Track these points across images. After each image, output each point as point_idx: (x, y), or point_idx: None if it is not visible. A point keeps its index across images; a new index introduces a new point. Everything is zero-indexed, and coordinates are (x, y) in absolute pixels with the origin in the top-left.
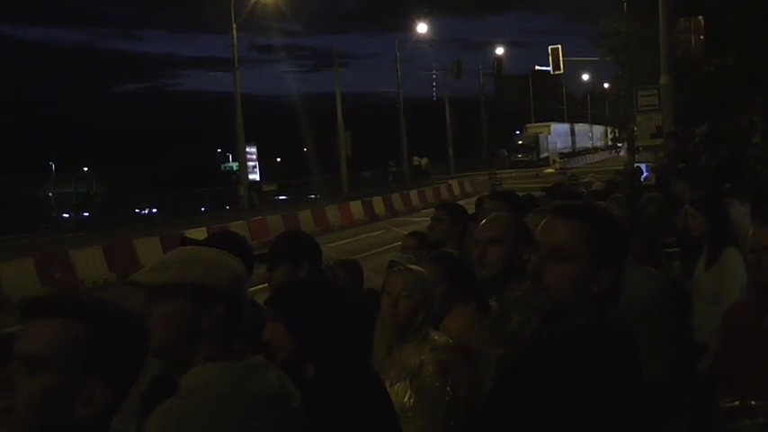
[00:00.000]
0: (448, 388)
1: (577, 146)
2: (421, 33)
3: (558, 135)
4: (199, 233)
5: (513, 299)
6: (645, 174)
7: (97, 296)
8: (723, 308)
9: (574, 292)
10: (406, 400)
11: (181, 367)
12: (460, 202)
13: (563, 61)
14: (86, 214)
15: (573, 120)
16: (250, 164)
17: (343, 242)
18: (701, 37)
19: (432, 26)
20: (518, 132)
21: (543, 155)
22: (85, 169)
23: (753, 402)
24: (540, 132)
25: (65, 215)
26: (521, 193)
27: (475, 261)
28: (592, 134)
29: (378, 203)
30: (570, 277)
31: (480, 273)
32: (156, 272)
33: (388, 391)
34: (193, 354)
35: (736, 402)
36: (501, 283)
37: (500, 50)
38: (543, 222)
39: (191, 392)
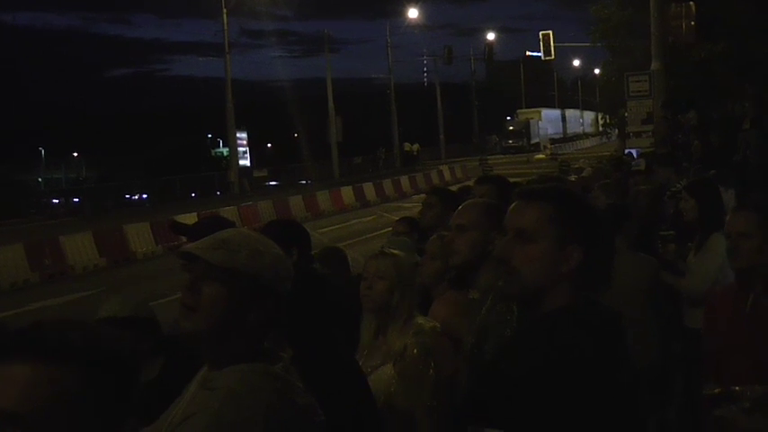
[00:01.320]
0: (431, 371)
1: (568, 132)
2: (412, 19)
3: (548, 121)
4: (189, 219)
5: (485, 287)
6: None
7: (89, 325)
8: (697, 290)
9: (542, 273)
10: (389, 382)
11: (212, 356)
12: (451, 188)
13: (554, 47)
14: (76, 200)
15: (564, 105)
16: (241, 149)
17: (334, 228)
18: (692, 22)
19: (423, 11)
20: (509, 118)
21: (534, 141)
22: (75, 155)
23: (737, 388)
24: (531, 118)
25: (55, 201)
26: (511, 180)
27: (447, 248)
28: (582, 120)
29: (369, 189)
30: (535, 257)
31: (450, 260)
32: (222, 251)
33: (374, 374)
34: (229, 348)
35: (717, 390)
36: (473, 270)
37: (491, 36)
38: (510, 208)
39: (233, 396)
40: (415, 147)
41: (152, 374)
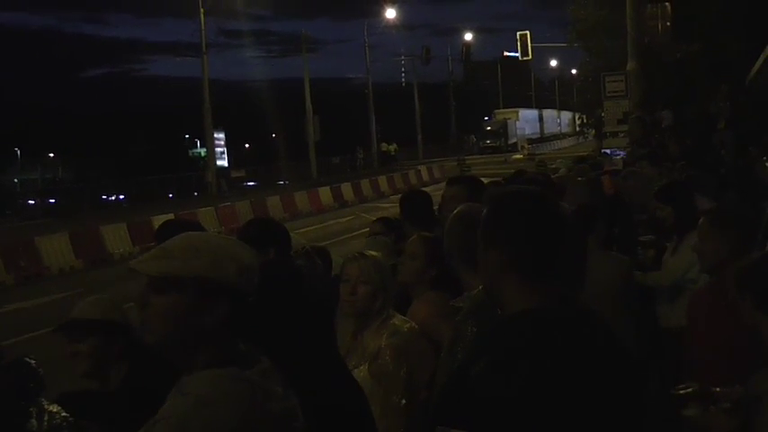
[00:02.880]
0: (403, 372)
1: (546, 132)
2: (390, 19)
3: (526, 121)
4: (166, 220)
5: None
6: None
7: None
8: (673, 284)
9: (490, 280)
10: (364, 383)
11: (181, 363)
12: (429, 188)
13: (531, 47)
14: (52, 201)
15: (541, 106)
16: (218, 150)
17: (311, 228)
18: (668, 23)
19: (401, 11)
20: (486, 118)
21: (511, 141)
22: (51, 155)
23: (717, 389)
24: (509, 118)
25: (30, 201)
26: (488, 180)
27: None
28: (560, 120)
29: (347, 189)
30: (484, 265)
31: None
32: (158, 260)
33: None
34: (195, 353)
35: (690, 389)
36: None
37: (469, 36)
38: None
39: (202, 403)
40: (392, 147)
41: (116, 380)
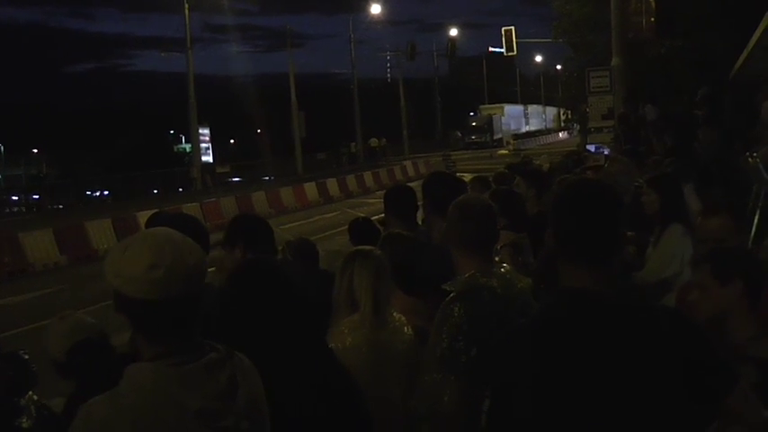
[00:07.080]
0: None
1: (531, 127)
2: (376, 14)
3: (511, 116)
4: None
5: (459, 285)
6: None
7: None
8: (659, 281)
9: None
10: None
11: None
12: (414, 184)
13: (516, 43)
14: (36, 196)
15: (526, 101)
16: (203, 145)
17: (297, 224)
18: (652, 19)
19: (386, 7)
20: (472, 114)
21: (497, 136)
22: (35, 151)
23: None
24: (494, 114)
25: (14, 197)
26: (470, 175)
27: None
28: (545, 116)
29: (332, 185)
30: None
31: None
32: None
33: None
34: (142, 352)
35: None
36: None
37: (454, 32)
38: None
39: (116, 394)
40: (374, 141)
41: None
